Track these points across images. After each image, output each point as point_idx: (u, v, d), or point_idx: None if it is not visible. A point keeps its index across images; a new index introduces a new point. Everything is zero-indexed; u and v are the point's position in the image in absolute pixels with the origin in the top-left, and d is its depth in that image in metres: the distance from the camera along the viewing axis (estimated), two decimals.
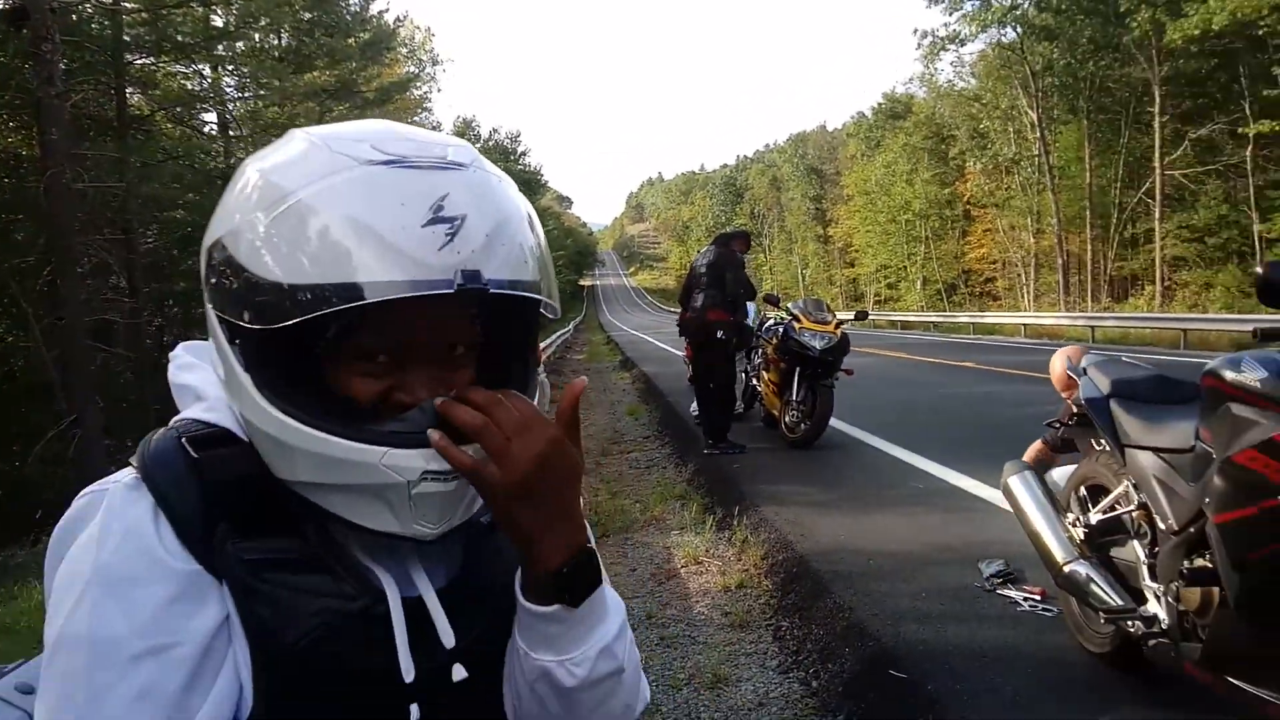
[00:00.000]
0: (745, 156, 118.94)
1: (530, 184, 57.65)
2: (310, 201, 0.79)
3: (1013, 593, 3.97)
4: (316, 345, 0.84)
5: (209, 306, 0.86)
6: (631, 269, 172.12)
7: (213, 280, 0.84)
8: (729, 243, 8.36)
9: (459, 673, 0.92)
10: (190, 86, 18.89)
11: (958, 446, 7.60)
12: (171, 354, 0.98)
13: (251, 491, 0.85)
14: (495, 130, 69.96)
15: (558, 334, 32.13)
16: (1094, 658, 3.19)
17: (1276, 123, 27.07)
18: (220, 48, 18.44)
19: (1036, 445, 3.85)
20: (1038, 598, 3.86)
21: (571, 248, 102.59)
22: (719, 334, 7.93)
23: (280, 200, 0.80)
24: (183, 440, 0.86)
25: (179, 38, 16.62)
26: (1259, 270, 2.03)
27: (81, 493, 0.87)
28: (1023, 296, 40.97)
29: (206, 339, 0.92)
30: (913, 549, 4.76)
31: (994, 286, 47.20)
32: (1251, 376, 2.30)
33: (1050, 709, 2.88)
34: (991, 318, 34.16)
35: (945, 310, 44.79)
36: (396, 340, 0.85)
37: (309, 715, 0.84)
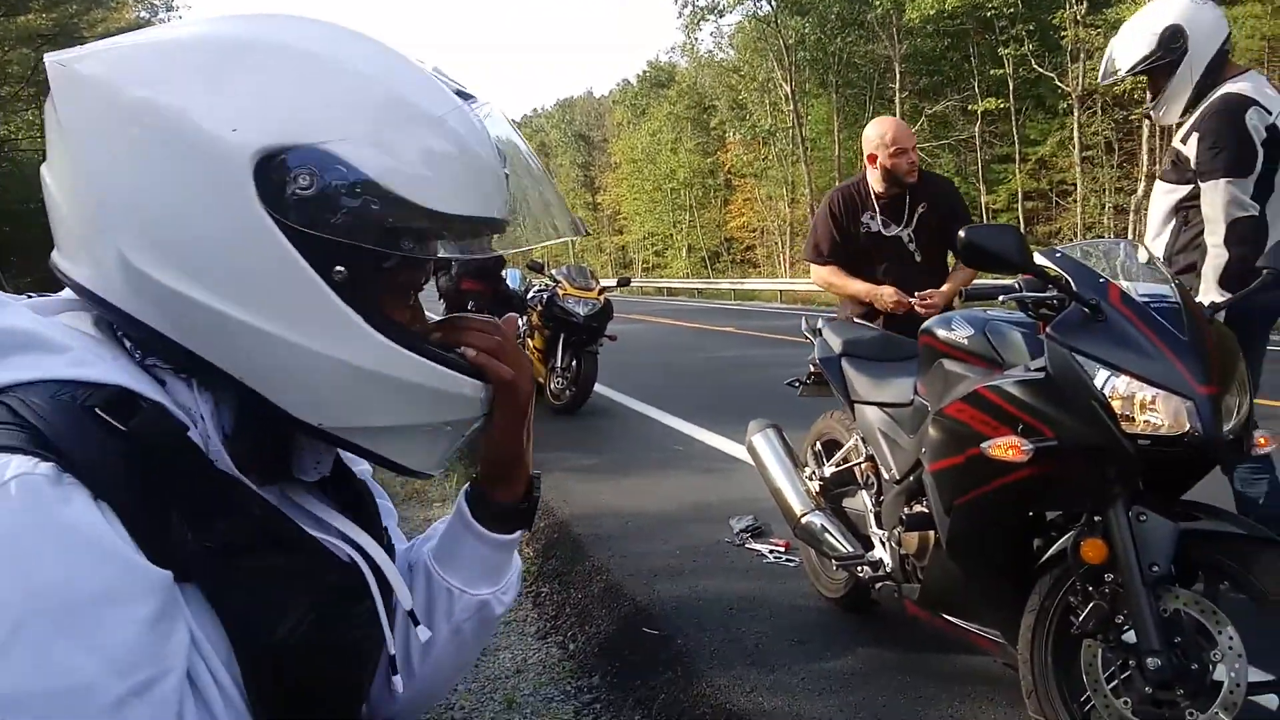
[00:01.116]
0: (514, 121, 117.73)
1: None
2: (457, 128, 0.77)
3: (760, 546, 4.15)
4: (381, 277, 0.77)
5: (278, 234, 0.71)
6: None
7: (297, 196, 0.71)
8: None
9: (424, 633, 0.88)
10: None
11: (716, 408, 7.89)
12: None
13: (188, 463, 0.71)
14: None
15: None
16: (830, 603, 3.39)
17: (1002, 101, 29.70)
18: None
19: None
20: (782, 549, 4.06)
21: None
22: (470, 305, 7.79)
23: (433, 123, 0.76)
24: (95, 410, 0.67)
25: None
26: (961, 234, 2.17)
27: None
28: (780, 263, 43.00)
29: None
30: (670, 509, 4.89)
31: (754, 254, 49.30)
32: (961, 334, 2.48)
33: (787, 652, 3.03)
34: (751, 284, 35.65)
35: (709, 277, 46.33)
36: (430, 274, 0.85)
37: (303, 714, 0.75)
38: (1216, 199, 3.00)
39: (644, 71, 62.90)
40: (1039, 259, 2.20)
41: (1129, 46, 3.23)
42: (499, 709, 3.06)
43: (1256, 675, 2.01)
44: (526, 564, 4.41)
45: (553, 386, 8.20)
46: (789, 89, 38.62)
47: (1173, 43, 3.11)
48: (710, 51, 51.02)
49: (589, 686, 3.13)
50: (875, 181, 3.86)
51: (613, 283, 9.31)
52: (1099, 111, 28.20)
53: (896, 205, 3.84)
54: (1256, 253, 2.72)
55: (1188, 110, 3.20)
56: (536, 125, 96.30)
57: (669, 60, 58.08)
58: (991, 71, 30.62)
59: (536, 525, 4.79)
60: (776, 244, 44.40)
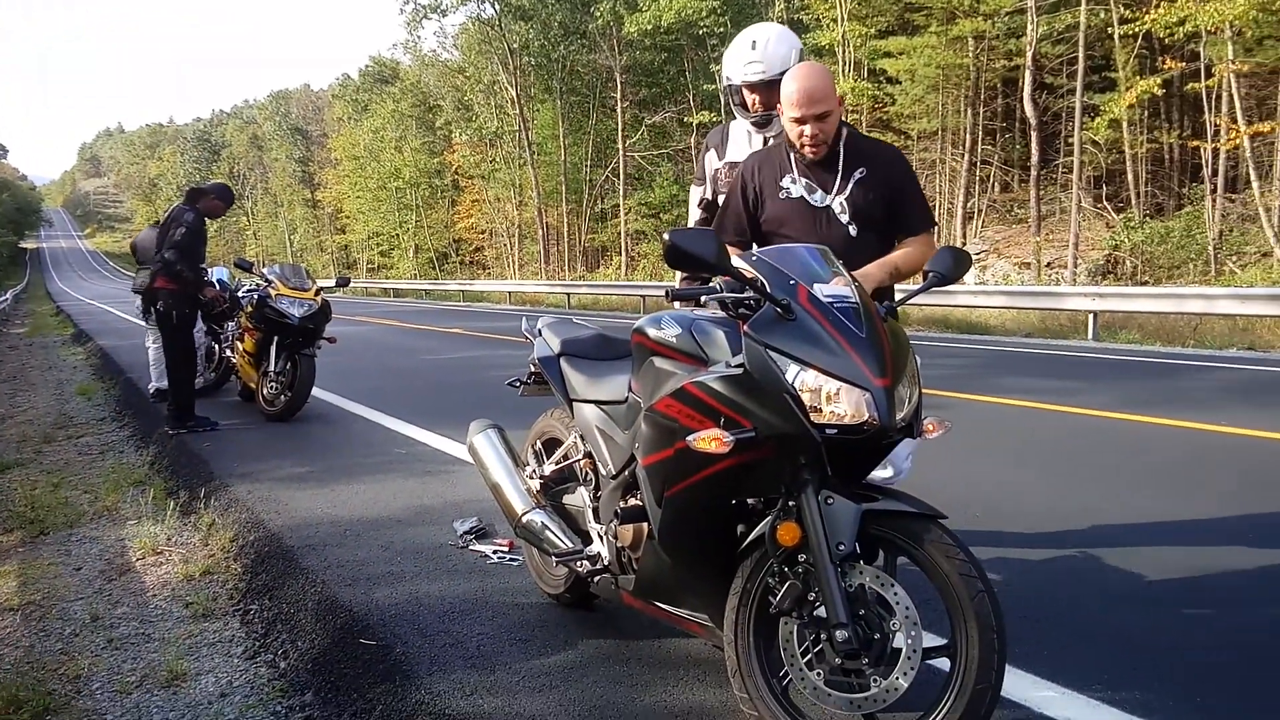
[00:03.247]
0: (222, 111, 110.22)
1: None
2: None
3: (484, 547, 4.12)
4: None
5: None
6: (88, 229, 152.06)
7: None
8: (197, 199, 7.53)
9: None
10: None
11: (441, 410, 7.79)
12: None
13: None
14: None
15: None
16: (552, 599, 3.42)
17: (714, 114, 31.23)
18: None
19: None
20: (506, 549, 4.05)
21: (8, 204, 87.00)
22: (159, 305, 7.20)
23: None
24: None
25: None
26: (665, 236, 2.27)
27: None
28: (509, 265, 43.04)
29: None
30: (390, 514, 4.76)
31: (483, 255, 49.05)
32: (670, 333, 2.57)
33: (508, 652, 3.03)
34: (480, 285, 35.50)
35: (437, 278, 45.62)
36: None
37: None
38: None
39: (366, 66, 60.86)
40: (736, 262, 2.33)
41: (778, 54, 3.36)
42: None
43: (931, 641, 2.22)
44: (233, 581, 4.15)
45: (265, 392, 7.78)
46: (514, 93, 38.75)
47: (800, 61, 3.35)
48: (435, 51, 50.27)
49: (301, 705, 2.98)
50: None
51: (331, 283, 8.95)
52: None
53: (826, 168, 3.09)
54: None
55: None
56: (249, 116, 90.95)
57: (393, 57, 56.53)
58: (705, 86, 32.19)
59: (245, 539, 4.51)
60: (505, 246, 44.38)
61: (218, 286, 8.44)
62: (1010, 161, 28.35)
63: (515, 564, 3.89)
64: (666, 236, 2.26)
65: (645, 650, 3.01)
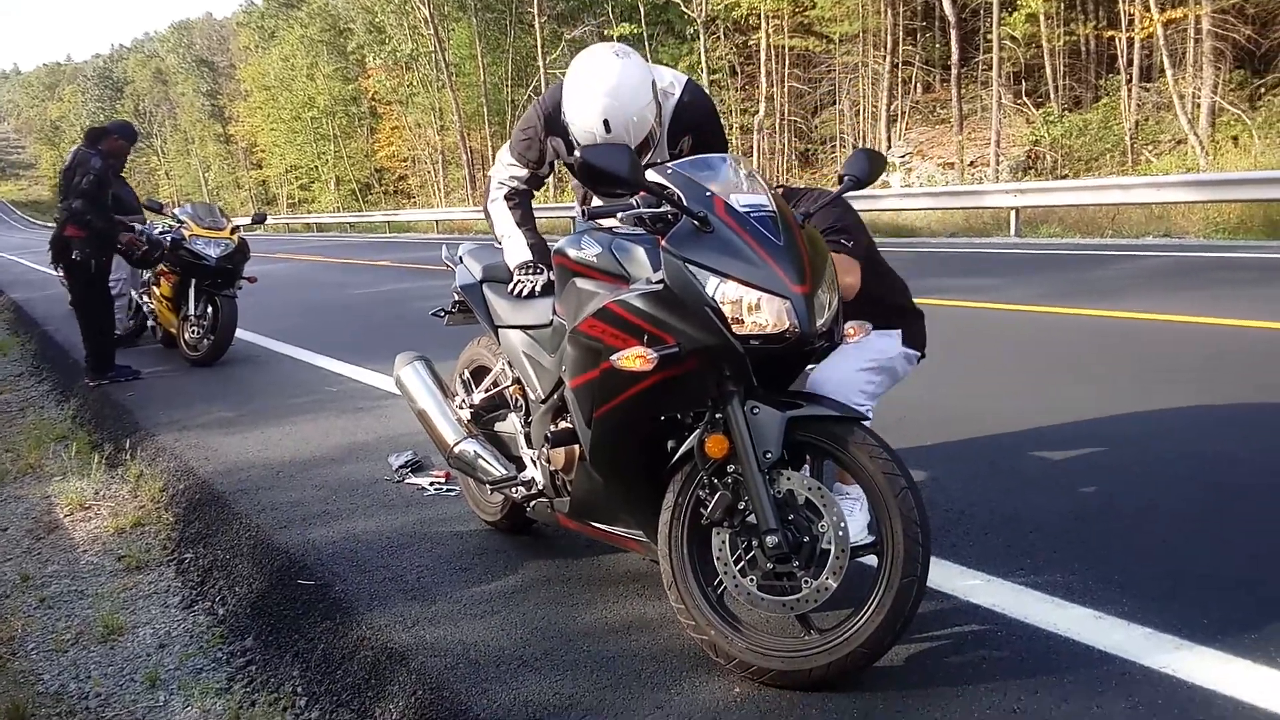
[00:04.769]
0: (122, 46, 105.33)
1: None
2: None
3: (420, 480, 4.09)
4: None
5: None
6: None
7: None
8: (98, 140, 7.19)
9: None
10: None
11: (371, 345, 7.68)
12: None
13: None
14: None
15: None
16: (490, 527, 3.42)
17: (635, 26, 30.65)
18: None
19: None
20: (443, 480, 4.03)
21: None
22: (74, 254, 6.89)
23: None
24: None
25: None
26: (577, 154, 2.21)
27: None
28: (435, 193, 42.20)
29: None
30: (324, 453, 4.70)
31: (407, 184, 47.97)
32: (590, 252, 2.53)
33: (448, 581, 3.03)
34: (405, 215, 34.82)
35: (361, 210, 44.64)
36: None
37: None
38: None
39: None
40: (652, 175, 2.29)
41: (645, 122, 2.85)
42: (140, 690, 2.83)
43: (858, 539, 2.27)
44: (165, 531, 4.08)
45: (187, 336, 7.58)
46: (427, 11, 37.49)
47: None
48: None
49: (242, 650, 2.97)
50: None
51: (247, 220, 8.69)
52: (722, 37, 30.00)
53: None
54: None
55: None
56: (151, 50, 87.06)
57: None
58: None
59: (175, 488, 4.43)
60: (429, 173, 43.44)
61: (135, 229, 8.14)
62: (931, 61, 28.33)
63: (453, 494, 3.88)
64: (578, 154, 2.20)
65: (583, 569, 3.04)
